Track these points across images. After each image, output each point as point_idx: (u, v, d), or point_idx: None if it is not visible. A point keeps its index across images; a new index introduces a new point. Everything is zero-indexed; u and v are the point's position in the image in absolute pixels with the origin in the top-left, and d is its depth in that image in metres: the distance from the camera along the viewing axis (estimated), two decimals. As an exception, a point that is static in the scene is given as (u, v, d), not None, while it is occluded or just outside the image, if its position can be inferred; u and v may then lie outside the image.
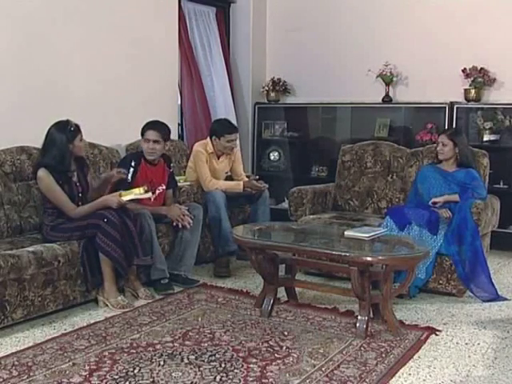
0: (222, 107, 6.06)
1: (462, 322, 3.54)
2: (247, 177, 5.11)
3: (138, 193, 3.75)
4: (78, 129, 3.72)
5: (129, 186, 3.90)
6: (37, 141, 4.07)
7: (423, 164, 4.58)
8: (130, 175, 4.03)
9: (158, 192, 4.18)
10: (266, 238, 3.82)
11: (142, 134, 4.17)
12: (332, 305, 3.76)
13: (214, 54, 6.07)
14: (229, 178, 4.96)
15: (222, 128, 4.76)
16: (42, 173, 3.60)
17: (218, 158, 4.83)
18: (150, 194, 3.82)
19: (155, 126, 4.17)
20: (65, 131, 3.66)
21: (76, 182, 3.77)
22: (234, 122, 5.91)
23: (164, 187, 4.24)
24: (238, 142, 5.79)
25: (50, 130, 3.69)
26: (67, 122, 3.69)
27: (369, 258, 3.21)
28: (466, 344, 3.19)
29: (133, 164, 4.09)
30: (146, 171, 4.15)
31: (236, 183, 4.79)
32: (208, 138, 4.82)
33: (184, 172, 5.03)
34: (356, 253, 3.28)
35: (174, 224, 4.11)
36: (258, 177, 4.95)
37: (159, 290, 3.96)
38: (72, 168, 3.75)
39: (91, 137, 4.12)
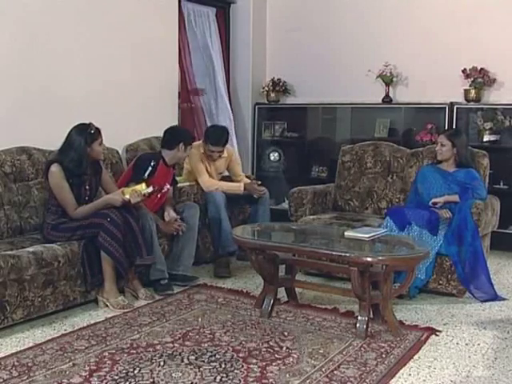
0: (218, 109, 6.07)
1: (462, 322, 3.55)
2: (247, 177, 5.11)
3: (139, 189, 3.75)
4: (97, 132, 3.74)
5: (143, 182, 3.92)
6: (37, 141, 4.09)
7: (423, 164, 4.58)
8: (147, 173, 4.04)
9: (163, 190, 4.23)
10: (266, 239, 3.82)
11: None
12: (332, 305, 3.76)
13: (213, 55, 6.09)
14: (227, 179, 4.96)
15: (210, 136, 4.74)
16: (54, 168, 3.62)
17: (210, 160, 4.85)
18: (151, 189, 3.83)
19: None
20: (84, 134, 3.68)
21: (86, 186, 3.78)
22: (232, 123, 5.94)
23: (169, 186, 4.27)
24: (235, 144, 5.83)
25: (70, 131, 3.72)
26: (88, 125, 3.71)
27: (369, 259, 3.21)
28: (466, 344, 3.19)
29: (152, 164, 4.11)
30: (163, 172, 4.20)
31: (237, 185, 4.79)
32: (202, 140, 4.87)
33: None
34: (356, 253, 3.28)
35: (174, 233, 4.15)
36: (260, 182, 4.93)
37: (159, 291, 3.97)
38: (87, 172, 3.76)
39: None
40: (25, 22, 4.13)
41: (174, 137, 4.29)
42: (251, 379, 2.70)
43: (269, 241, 3.75)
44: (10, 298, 3.21)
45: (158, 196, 4.14)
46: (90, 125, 3.72)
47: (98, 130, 3.75)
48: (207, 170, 4.76)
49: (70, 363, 2.85)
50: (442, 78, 5.50)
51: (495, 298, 3.93)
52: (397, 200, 4.69)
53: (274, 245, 3.61)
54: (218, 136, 4.74)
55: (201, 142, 4.84)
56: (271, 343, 3.13)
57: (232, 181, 4.95)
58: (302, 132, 6.34)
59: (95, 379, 2.68)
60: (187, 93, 5.92)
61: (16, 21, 4.08)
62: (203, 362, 2.88)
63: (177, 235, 4.16)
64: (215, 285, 4.23)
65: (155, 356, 2.94)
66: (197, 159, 4.71)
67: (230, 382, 2.68)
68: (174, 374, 2.74)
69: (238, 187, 4.75)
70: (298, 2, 6.32)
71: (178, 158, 4.30)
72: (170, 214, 4.19)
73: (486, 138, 5.29)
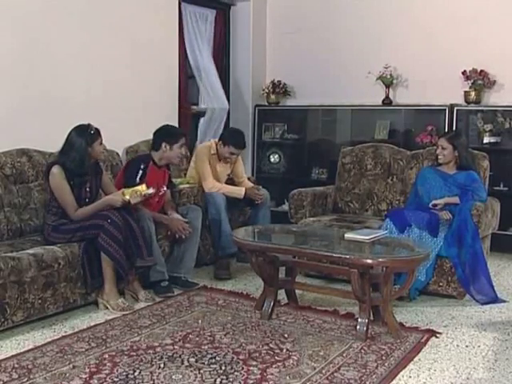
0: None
1: (462, 324, 3.54)
2: (248, 178, 5.10)
3: (140, 190, 3.75)
4: (97, 132, 3.75)
5: (139, 184, 3.91)
6: (37, 143, 4.09)
7: (423, 166, 4.58)
8: (138, 177, 4.06)
9: (160, 193, 4.20)
10: (266, 241, 3.82)
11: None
12: (332, 307, 3.76)
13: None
14: (230, 181, 4.95)
15: (232, 139, 4.76)
16: (55, 169, 3.63)
17: (220, 161, 4.84)
18: (151, 190, 3.83)
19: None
20: (84, 134, 3.69)
21: (87, 187, 3.78)
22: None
23: (165, 188, 4.26)
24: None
25: (70, 132, 3.73)
26: (87, 126, 3.73)
27: (369, 261, 3.21)
28: (467, 346, 3.19)
29: (142, 167, 4.11)
30: (155, 174, 4.18)
31: (238, 189, 4.78)
32: (212, 140, 4.86)
33: (184, 174, 5.03)
34: (356, 255, 3.28)
35: (177, 236, 4.12)
36: (261, 187, 4.92)
37: (159, 293, 3.96)
38: (89, 172, 3.77)
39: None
40: (25, 23, 4.13)
41: (157, 137, 4.24)
42: (251, 381, 2.70)
43: (269, 243, 3.74)
44: (10, 299, 3.21)
45: (156, 200, 4.12)
46: (89, 125, 3.73)
47: (97, 130, 3.76)
48: (215, 172, 4.75)
49: (70, 365, 2.85)
50: (442, 80, 5.51)
51: (495, 300, 3.92)
52: (397, 202, 4.69)
53: (274, 247, 3.61)
54: (240, 139, 4.79)
55: (211, 142, 4.85)
56: (271, 345, 3.13)
57: (233, 182, 4.95)
58: (302, 134, 6.35)
59: (95, 381, 2.68)
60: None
61: (16, 23, 4.08)
62: (203, 364, 2.88)
63: (179, 238, 4.15)
64: (215, 287, 4.23)
65: (155, 358, 2.94)
66: (204, 160, 4.71)
67: (230, 384, 2.68)
68: (174, 376, 2.74)
69: (239, 191, 4.74)
70: (297, 4, 6.32)
71: (166, 157, 4.21)
72: (174, 215, 4.18)
73: (486, 140, 5.29)
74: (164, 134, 4.21)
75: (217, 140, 4.84)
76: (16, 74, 4.09)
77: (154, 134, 4.29)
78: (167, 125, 4.33)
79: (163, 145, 4.16)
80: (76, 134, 3.71)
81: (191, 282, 4.20)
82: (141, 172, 4.08)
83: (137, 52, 4.98)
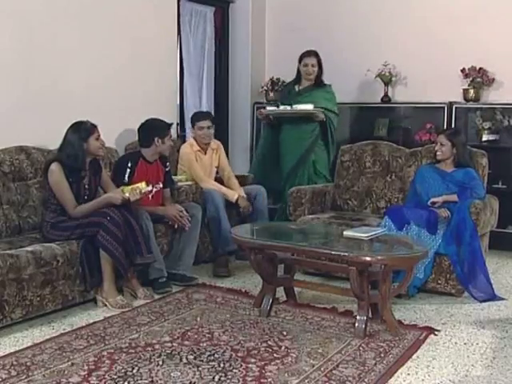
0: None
1: (460, 321, 3.55)
2: (246, 177, 5.09)
3: (139, 187, 3.75)
4: (93, 127, 3.75)
5: (126, 185, 3.90)
6: (36, 141, 4.09)
7: (422, 164, 4.58)
8: (126, 175, 4.05)
9: (155, 190, 4.13)
10: (264, 238, 3.82)
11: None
12: (331, 304, 3.76)
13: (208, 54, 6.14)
14: (219, 181, 4.94)
15: (194, 117, 4.88)
16: (54, 166, 3.64)
17: (205, 154, 4.85)
18: (151, 187, 3.82)
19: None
20: (79, 130, 3.70)
21: (85, 184, 3.78)
22: None
23: (161, 185, 4.11)
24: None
25: (67, 130, 3.74)
26: (82, 122, 3.74)
27: (368, 258, 3.21)
28: (465, 344, 3.20)
29: (129, 165, 4.10)
30: (146, 170, 4.16)
31: (232, 193, 4.77)
32: (191, 138, 4.91)
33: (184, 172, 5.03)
34: (355, 253, 3.28)
35: (176, 226, 4.12)
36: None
37: (157, 289, 3.96)
38: (86, 167, 3.76)
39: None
40: (24, 20, 4.12)
41: (147, 134, 4.21)
42: (250, 379, 2.71)
43: (268, 240, 3.74)
44: (9, 297, 3.21)
45: (150, 197, 3.96)
46: (84, 121, 3.74)
47: (93, 125, 3.76)
48: (204, 167, 4.77)
49: (69, 363, 2.85)
50: (441, 78, 5.50)
51: (494, 297, 3.93)
52: (395, 199, 4.69)
53: (273, 244, 3.61)
54: (201, 112, 5.04)
55: (191, 140, 4.87)
56: (270, 343, 3.13)
57: (221, 181, 4.94)
58: (301, 132, 6.33)
59: (94, 379, 2.68)
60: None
61: (15, 20, 4.07)
62: (202, 361, 2.88)
63: (179, 233, 4.14)
64: (214, 284, 4.23)
65: (154, 355, 2.94)
66: (192, 160, 4.72)
67: (228, 381, 2.68)
68: (172, 374, 2.74)
69: (232, 195, 4.74)
70: (297, 1, 6.31)
71: (159, 152, 4.22)
72: (173, 205, 4.19)
73: (484, 138, 5.29)
74: (155, 130, 4.18)
75: (192, 137, 4.90)
76: (15, 71, 4.08)
77: (142, 130, 4.25)
78: (153, 119, 4.28)
79: (156, 140, 4.15)
80: (71, 130, 3.73)
81: (190, 276, 4.19)
82: (128, 170, 4.07)
83: (136, 49, 4.96)
